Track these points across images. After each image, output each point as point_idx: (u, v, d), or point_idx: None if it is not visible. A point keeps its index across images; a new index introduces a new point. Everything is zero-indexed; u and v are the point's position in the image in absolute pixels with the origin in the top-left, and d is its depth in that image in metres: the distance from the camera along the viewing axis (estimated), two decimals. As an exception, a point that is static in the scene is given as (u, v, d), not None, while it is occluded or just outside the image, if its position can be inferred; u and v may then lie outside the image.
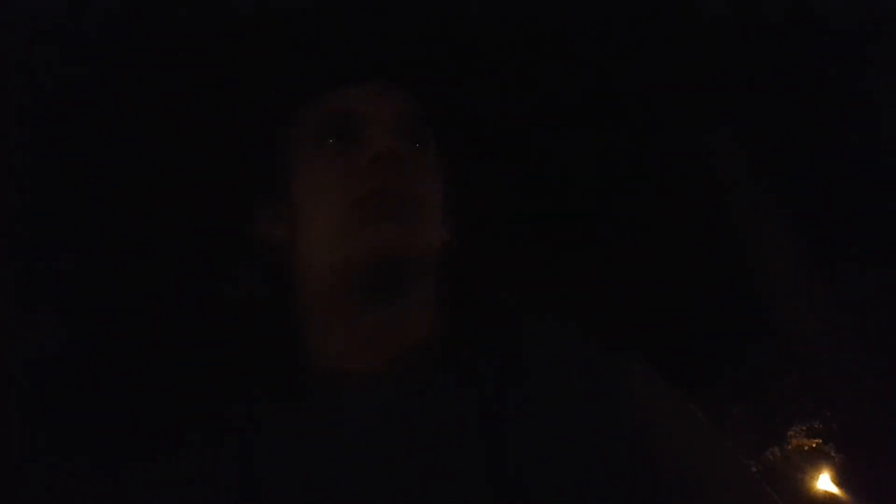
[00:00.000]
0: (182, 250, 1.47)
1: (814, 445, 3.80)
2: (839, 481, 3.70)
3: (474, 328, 0.84)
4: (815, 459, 3.79)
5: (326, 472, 0.74)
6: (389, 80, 0.92)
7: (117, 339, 1.46)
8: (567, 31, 1.84)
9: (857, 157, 2.26)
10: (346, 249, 0.80)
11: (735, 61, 2.12)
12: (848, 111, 2.18)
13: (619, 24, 1.85)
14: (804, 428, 3.82)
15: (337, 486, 0.73)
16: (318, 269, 0.83)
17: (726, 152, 2.39)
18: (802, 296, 2.64)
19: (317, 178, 0.85)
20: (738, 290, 2.67)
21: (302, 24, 1.36)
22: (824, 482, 3.76)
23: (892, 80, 1.99)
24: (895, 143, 2.19)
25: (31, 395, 1.38)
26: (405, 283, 0.82)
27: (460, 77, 1.59)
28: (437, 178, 0.88)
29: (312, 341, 0.84)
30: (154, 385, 1.33)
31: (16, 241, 1.46)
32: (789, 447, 3.84)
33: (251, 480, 0.76)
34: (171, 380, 1.31)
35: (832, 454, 3.74)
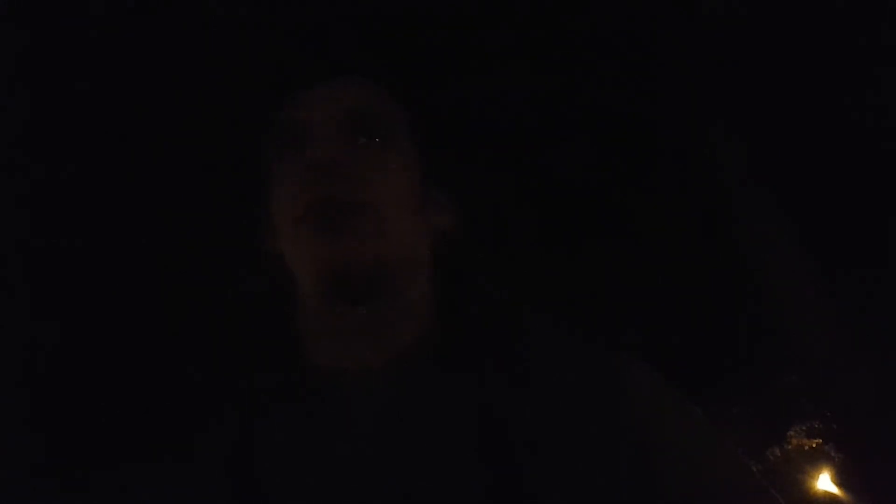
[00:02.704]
0: (185, 253, 1.47)
1: (814, 445, 3.80)
2: (839, 481, 3.70)
3: (473, 325, 0.83)
4: (815, 459, 3.79)
5: (326, 469, 0.74)
6: (365, 76, 0.87)
7: (119, 340, 1.46)
8: (564, 27, 1.84)
9: (857, 158, 2.26)
10: (305, 262, 0.79)
11: (737, 62, 2.12)
12: (849, 110, 2.17)
13: (617, 19, 1.85)
14: (804, 428, 3.82)
15: (337, 484, 0.73)
16: (300, 278, 0.83)
17: (727, 153, 2.38)
18: (802, 296, 2.64)
19: (273, 189, 0.83)
20: (738, 290, 2.66)
21: (286, 21, 1.35)
22: (824, 482, 3.76)
23: (892, 81, 1.99)
24: (894, 144, 2.19)
25: (33, 394, 1.38)
26: (384, 286, 0.79)
27: (458, 73, 1.59)
28: (403, 175, 0.84)
29: (310, 342, 0.84)
30: (155, 384, 1.33)
31: (18, 243, 1.46)
32: (789, 447, 3.84)
33: (251, 479, 0.76)
34: (171, 379, 1.31)
35: (832, 454, 3.74)
